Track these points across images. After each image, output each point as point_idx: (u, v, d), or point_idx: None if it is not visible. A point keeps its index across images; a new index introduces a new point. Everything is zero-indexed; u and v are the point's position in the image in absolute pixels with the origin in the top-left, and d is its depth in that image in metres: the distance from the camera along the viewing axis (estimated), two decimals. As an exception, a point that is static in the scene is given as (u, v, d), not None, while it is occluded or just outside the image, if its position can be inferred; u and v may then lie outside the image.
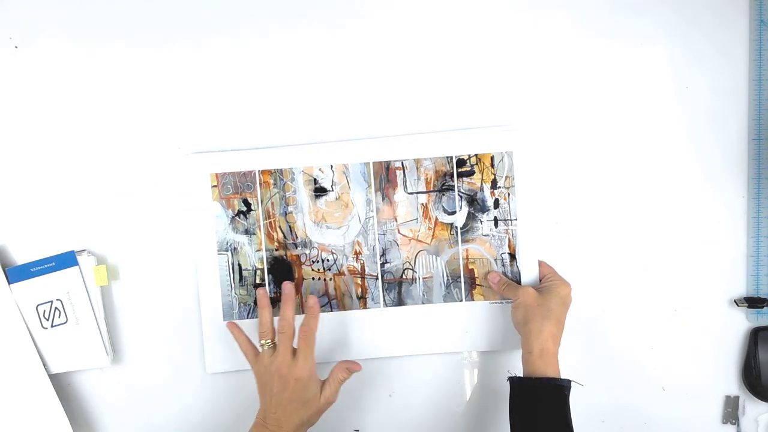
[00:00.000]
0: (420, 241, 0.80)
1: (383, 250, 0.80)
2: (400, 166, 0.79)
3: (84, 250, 0.79)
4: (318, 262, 0.80)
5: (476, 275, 0.80)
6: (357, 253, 0.80)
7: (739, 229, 0.81)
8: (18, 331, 0.77)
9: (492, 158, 0.79)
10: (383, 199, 0.79)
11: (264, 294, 0.75)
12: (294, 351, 0.72)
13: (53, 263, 0.78)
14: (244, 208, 0.79)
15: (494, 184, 0.79)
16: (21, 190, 0.79)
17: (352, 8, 0.79)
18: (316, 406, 0.72)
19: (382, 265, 0.80)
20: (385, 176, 0.79)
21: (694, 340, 0.82)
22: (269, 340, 0.73)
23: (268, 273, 0.79)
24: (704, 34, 0.80)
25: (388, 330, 0.80)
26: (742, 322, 0.82)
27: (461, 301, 0.80)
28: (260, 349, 0.74)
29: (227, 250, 0.79)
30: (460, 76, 0.80)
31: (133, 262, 0.80)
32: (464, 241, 0.80)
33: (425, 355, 0.81)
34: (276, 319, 0.74)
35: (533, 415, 0.69)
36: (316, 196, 0.79)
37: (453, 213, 0.80)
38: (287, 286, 0.74)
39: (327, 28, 0.79)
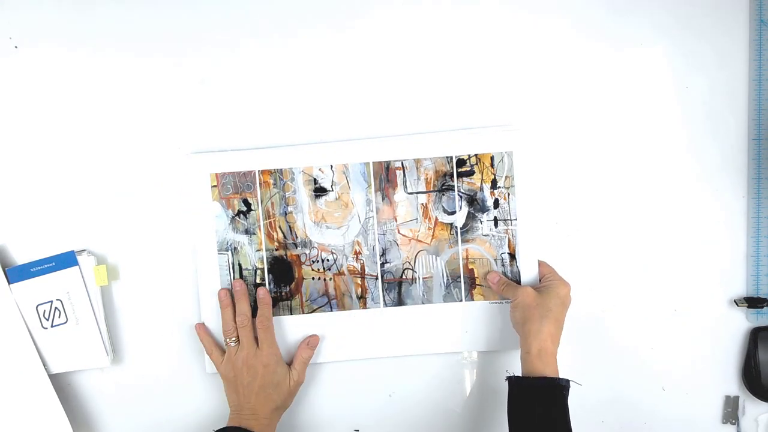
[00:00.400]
0: (420, 241, 0.80)
1: (383, 250, 0.80)
2: (400, 166, 0.79)
3: (84, 250, 0.79)
4: (318, 262, 0.80)
5: (476, 275, 0.80)
6: (357, 253, 0.80)
7: (738, 229, 0.81)
8: (18, 331, 0.77)
9: (492, 158, 0.79)
10: (383, 199, 0.79)
11: (225, 294, 0.78)
12: (257, 341, 0.76)
13: (53, 263, 0.78)
14: (244, 208, 0.79)
15: (494, 184, 0.79)
16: (21, 190, 0.79)
17: (351, 9, 0.79)
18: (287, 388, 0.76)
19: (382, 265, 0.80)
20: (385, 176, 0.79)
21: (694, 340, 0.82)
22: (234, 337, 0.76)
23: (269, 273, 0.79)
24: (704, 34, 0.80)
25: (388, 330, 0.80)
26: (742, 322, 0.82)
27: (461, 301, 0.80)
28: (226, 348, 0.77)
29: (227, 250, 0.79)
30: (460, 77, 0.80)
31: (133, 262, 0.80)
32: (464, 241, 0.80)
33: (425, 355, 0.81)
34: None
35: (531, 415, 0.69)
36: (316, 196, 0.79)
37: (453, 213, 0.80)
38: (237, 284, 0.77)
39: (327, 29, 0.79)
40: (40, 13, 0.78)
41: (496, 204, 0.79)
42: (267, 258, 0.79)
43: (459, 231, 0.80)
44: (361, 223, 0.79)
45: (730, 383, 0.82)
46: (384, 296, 0.80)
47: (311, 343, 0.78)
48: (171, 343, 0.80)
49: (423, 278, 0.80)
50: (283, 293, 0.80)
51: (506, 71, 0.80)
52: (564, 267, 0.78)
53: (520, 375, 0.71)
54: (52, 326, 0.78)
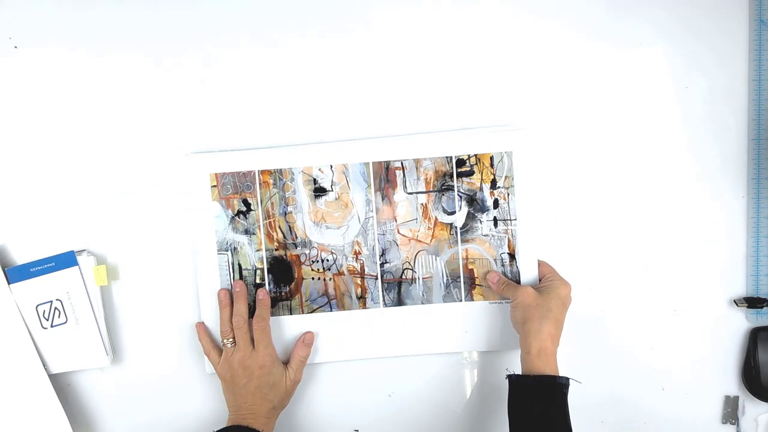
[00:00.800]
0: (419, 241, 0.80)
1: (383, 250, 0.80)
2: (400, 166, 0.79)
3: (84, 250, 0.79)
4: (318, 262, 0.80)
5: (476, 275, 0.80)
6: (357, 253, 0.80)
7: (738, 229, 0.81)
8: (18, 331, 0.77)
9: (491, 158, 0.79)
10: (383, 199, 0.79)
11: (225, 294, 0.78)
12: (253, 342, 0.76)
13: (53, 263, 0.78)
14: (244, 208, 0.79)
15: (494, 184, 0.79)
16: (21, 190, 0.79)
17: (351, 9, 0.79)
18: (284, 388, 0.76)
19: (382, 265, 0.80)
20: (384, 176, 0.79)
21: (694, 340, 0.82)
22: (230, 338, 0.76)
23: (268, 273, 0.79)
24: (704, 35, 0.80)
25: (388, 330, 0.80)
26: (741, 322, 0.82)
27: (461, 301, 0.80)
28: (223, 348, 0.77)
29: (227, 250, 0.79)
30: (460, 77, 0.80)
31: (133, 262, 0.80)
32: (464, 241, 0.80)
33: (425, 355, 0.81)
34: None
35: (531, 414, 0.69)
36: (316, 196, 0.79)
37: (452, 213, 0.80)
38: (237, 285, 0.78)
39: (326, 29, 0.79)
40: (40, 13, 0.78)
41: (496, 204, 0.79)
42: (267, 258, 0.79)
43: (459, 231, 0.80)
44: (361, 223, 0.79)
45: (730, 383, 0.82)
46: (384, 296, 0.80)
47: (307, 340, 0.78)
48: (171, 343, 0.81)
49: (423, 278, 0.80)
50: (283, 293, 0.80)
51: (506, 71, 0.80)
52: (564, 267, 0.78)
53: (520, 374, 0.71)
54: (51, 326, 0.78)
